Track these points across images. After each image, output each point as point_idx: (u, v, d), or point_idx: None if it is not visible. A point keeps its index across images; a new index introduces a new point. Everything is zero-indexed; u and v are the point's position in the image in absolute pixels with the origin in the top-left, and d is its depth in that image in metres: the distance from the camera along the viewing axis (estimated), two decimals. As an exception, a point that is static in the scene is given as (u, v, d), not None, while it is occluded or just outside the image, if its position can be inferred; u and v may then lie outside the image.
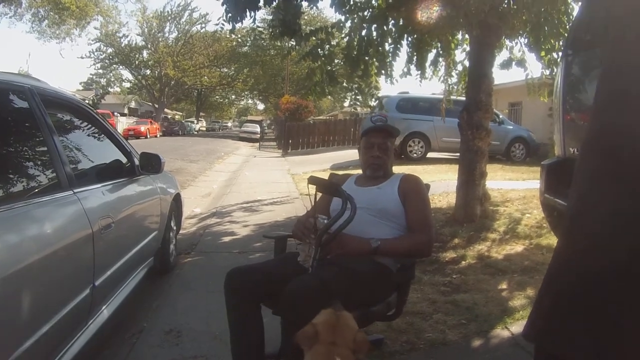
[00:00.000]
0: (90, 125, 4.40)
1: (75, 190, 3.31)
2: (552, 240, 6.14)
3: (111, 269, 3.78)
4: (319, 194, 3.38)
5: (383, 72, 8.14)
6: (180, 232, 6.88)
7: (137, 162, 4.80)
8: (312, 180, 3.31)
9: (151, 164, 4.87)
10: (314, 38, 7.71)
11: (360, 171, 3.73)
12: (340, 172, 3.97)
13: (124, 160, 4.71)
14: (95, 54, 59.88)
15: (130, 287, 4.36)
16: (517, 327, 4.08)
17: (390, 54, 7.95)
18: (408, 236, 3.26)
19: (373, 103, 9.04)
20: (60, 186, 3.19)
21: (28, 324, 2.57)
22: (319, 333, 2.16)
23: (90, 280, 3.35)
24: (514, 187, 10.11)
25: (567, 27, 7.28)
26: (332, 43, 7.92)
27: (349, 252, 3.08)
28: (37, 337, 2.60)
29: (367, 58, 7.86)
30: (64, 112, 4.04)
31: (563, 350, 1.55)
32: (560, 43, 7.50)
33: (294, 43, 7.71)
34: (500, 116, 18.20)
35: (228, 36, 56.98)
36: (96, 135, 4.47)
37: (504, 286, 5.00)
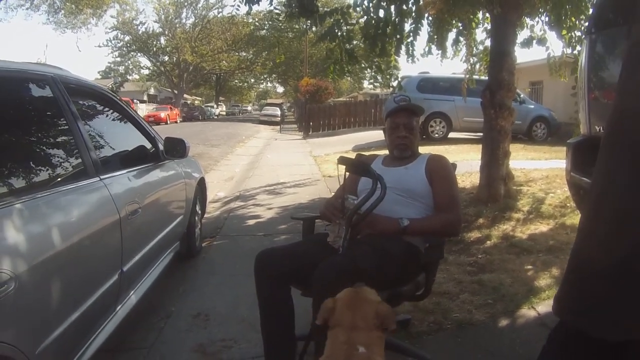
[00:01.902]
0: (113, 112, 4.41)
1: (101, 177, 3.32)
2: (576, 220, 6.07)
3: (138, 255, 3.81)
4: (347, 175, 3.37)
5: (403, 51, 8.06)
6: (205, 216, 6.89)
7: (161, 147, 4.81)
8: (342, 160, 3.29)
9: (176, 149, 4.87)
10: (329, 19, 7.64)
11: (386, 152, 3.71)
12: (367, 153, 3.95)
13: (148, 145, 4.73)
14: (113, 42, 60.05)
15: (157, 272, 4.38)
16: (543, 306, 4.07)
17: (411, 34, 7.87)
18: (436, 216, 3.25)
19: (393, 83, 8.95)
20: (86, 173, 3.21)
21: (58, 311, 2.60)
22: (335, 310, 2.10)
23: (119, 266, 3.38)
24: (537, 167, 10.03)
25: (589, 4, 7.18)
26: (349, 22, 7.84)
27: (379, 232, 3.08)
28: (67, 323, 2.63)
29: (386, 38, 7.79)
30: (88, 100, 4.05)
31: (585, 326, 1.55)
32: (582, 21, 7.38)
33: (309, 24, 7.62)
34: (522, 95, 17.99)
35: (245, 20, 56.91)
36: (120, 121, 4.48)
37: (530, 266, 4.97)
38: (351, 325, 2.03)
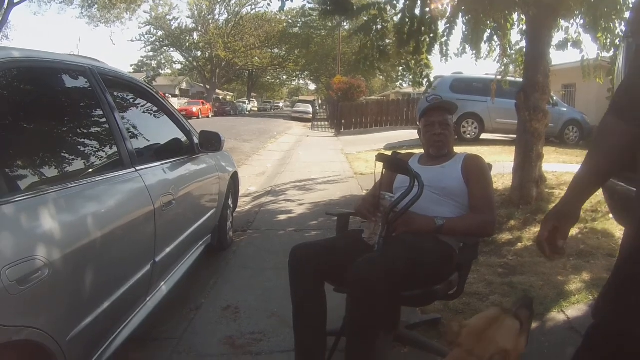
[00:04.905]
0: (149, 104, 4.44)
1: (137, 168, 3.35)
2: (607, 224, 6.02)
3: (171, 246, 3.83)
4: (383, 172, 3.36)
5: (437, 50, 8.02)
6: (236, 210, 6.92)
7: (196, 140, 4.82)
8: (380, 157, 3.27)
9: (211, 142, 4.88)
10: (365, 13, 7.61)
11: (422, 151, 3.69)
12: (403, 151, 3.93)
13: (183, 138, 4.75)
14: (146, 37, 60.75)
15: (188, 264, 4.41)
16: (572, 310, 4.01)
17: (445, 33, 7.82)
18: (471, 215, 3.22)
19: (423, 82, 8.88)
20: (122, 163, 3.24)
21: (90, 299, 2.62)
22: (460, 336, 1.93)
23: (151, 257, 3.41)
24: (568, 170, 9.87)
25: (625, 8, 7.06)
26: (385, 19, 7.81)
27: (415, 230, 3.05)
28: (98, 312, 2.66)
29: (420, 36, 7.73)
30: (124, 91, 4.09)
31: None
32: (618, 24, 7.27)
33: (343, 21, 7.59)
34: (555, 98, 17.74)
35: (278, 17, 57.03)
36: (155, 113, 4.51)
37: (560, 269, 4.91)
38: (469, 350, 1.89)
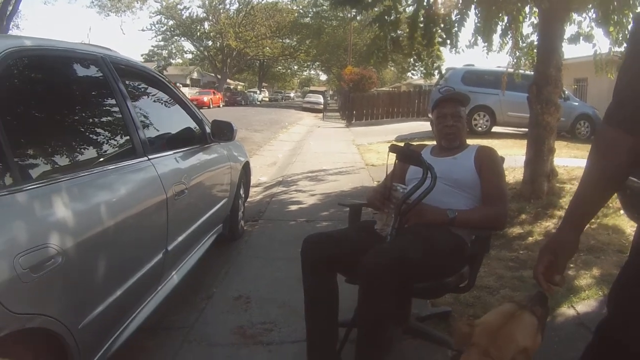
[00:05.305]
0: (161, 93, 4.44)
1: (149, 157, 3.35)
2: (618, 220, 5.97)
3: (183, 235, 3.83)
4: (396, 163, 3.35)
5: (448, 41, 7.96)
6: (247, 200, 6.92)
7: (208, 129, 4.82)
8: (393, 148, 3.25)
9: (223, 132, 4.89)
10: (380, 5, 7.56)
11: (434, 142, 3.68)
12: (415, 143, 3.92)
13: (195, 127, 4.74)
14: (156, 26, 60.96)
15: (199, 253, 4.41)
16: (582, 306, 3.99)
17: (456, 24, 7.77)
18: (483, 207, 3.21)
19: (435, 73, 8.84)
20: (135, 152, 3.24)
21: (103, 288, 2.64)
22: (474, 335, 1.82)
23: (163, 246, 3.41)
24: (580, 165, 9.79)
25: (637, 2, 6.99)
26: (398, 11, 7.76)
27: (427, 222, 3.06)
28: (110, 300, 2.67)
29: (433, 27, 7.69)
30: (136, 80, 4.08)
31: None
32: (630, 18, 7.19)
33: (354, 12, 7.54)
34: (566, 92, 17.59)
35: (289, 7, 56.91)
36: (168, 102, 4.50)
37: (570, 264, 4.86)
38: (485, 351, 1.77)
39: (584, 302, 4.07)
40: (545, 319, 1.96)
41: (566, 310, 3.97)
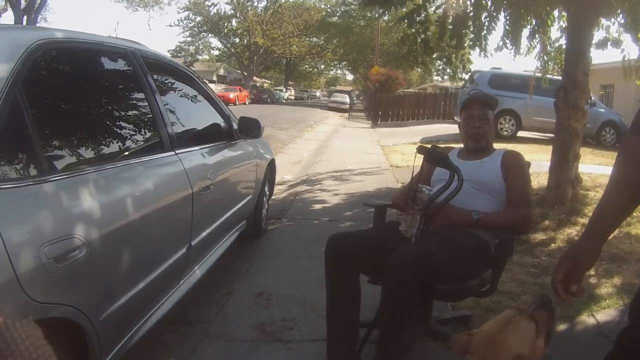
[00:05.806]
0: (190, 88, 4.45)
1: (176, 151, 3.36)
2: (641, 230, 5.90)
3: (207, 230, 3.84)
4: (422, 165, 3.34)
5: (477, 44, 7.91)
6: (272, 197, 6.93)
7: (235, 126, 4.83)
8: (421, 149, 3.24)
9: (250, 129, 4.90)
10: (410, 3, 7.52)
11: (461, 145, 3.66)
12: (442, 145, 3.90)
13: (222, 123, 4.75)
14: (184, 22, 61.22)
15: (222, 249, 4.42)
16: (602, 315, 3.94)
17: (485, 27, 7.71)
18: (508, 210, 3.19)
19: (464, 75, 8.79)
20: (162, 146, 3.25)
21: (126, 280, 2.65)
22: (471, 345, 1.78)
23: (187, 240, 3.42)
24: (604, 173, 9.67)
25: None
26: (428, 10, 7.73)
27: (452, 223, 3.04)
28: (133, 292, 2.68)
29: (463, 30, 7.64)
30: (165, 75, 4.10)
31: None
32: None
33: (382, 12, 7.51)
34: (593, 98, 17.37)
35: (317, 5, 56.88)
36: (196, 98, 4.52)
37: (592, 273, 4.79)
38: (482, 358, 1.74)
39: (604, 310, 4.02)
40: (551, 323, 1.88)
41: (586, 319, 3.92)
